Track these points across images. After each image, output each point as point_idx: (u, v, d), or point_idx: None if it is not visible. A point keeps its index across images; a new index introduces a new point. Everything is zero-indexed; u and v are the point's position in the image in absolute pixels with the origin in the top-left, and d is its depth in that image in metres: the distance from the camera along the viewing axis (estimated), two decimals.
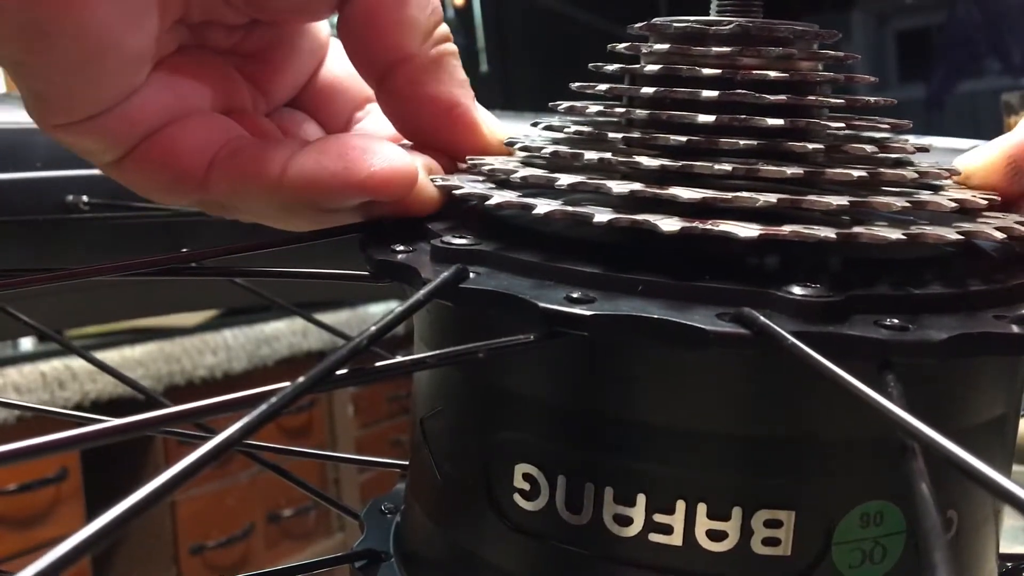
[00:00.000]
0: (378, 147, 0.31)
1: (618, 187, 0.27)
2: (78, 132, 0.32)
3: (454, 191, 0.31)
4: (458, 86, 0.35)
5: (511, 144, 0.35)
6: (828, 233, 0.25)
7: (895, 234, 0.25)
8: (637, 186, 0.27)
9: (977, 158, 0.32)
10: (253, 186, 0.33)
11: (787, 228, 0.25)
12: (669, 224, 0.25)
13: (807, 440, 0.26)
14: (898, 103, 0.32)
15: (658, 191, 0.26)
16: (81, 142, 0.32)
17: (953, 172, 0.32)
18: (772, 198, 0.26)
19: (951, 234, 0.26)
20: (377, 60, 0.34)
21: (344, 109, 0.40)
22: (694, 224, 0.25)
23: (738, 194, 0.26)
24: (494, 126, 0.35)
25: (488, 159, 0.33)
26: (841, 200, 0.26)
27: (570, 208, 0.27)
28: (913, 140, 0.32)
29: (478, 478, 0.28)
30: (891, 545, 0.26)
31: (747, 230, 0.25)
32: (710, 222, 0.25)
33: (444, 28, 0.34)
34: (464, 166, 0.34)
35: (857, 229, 0.25)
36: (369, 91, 0.38)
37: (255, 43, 0.37)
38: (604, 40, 0.34)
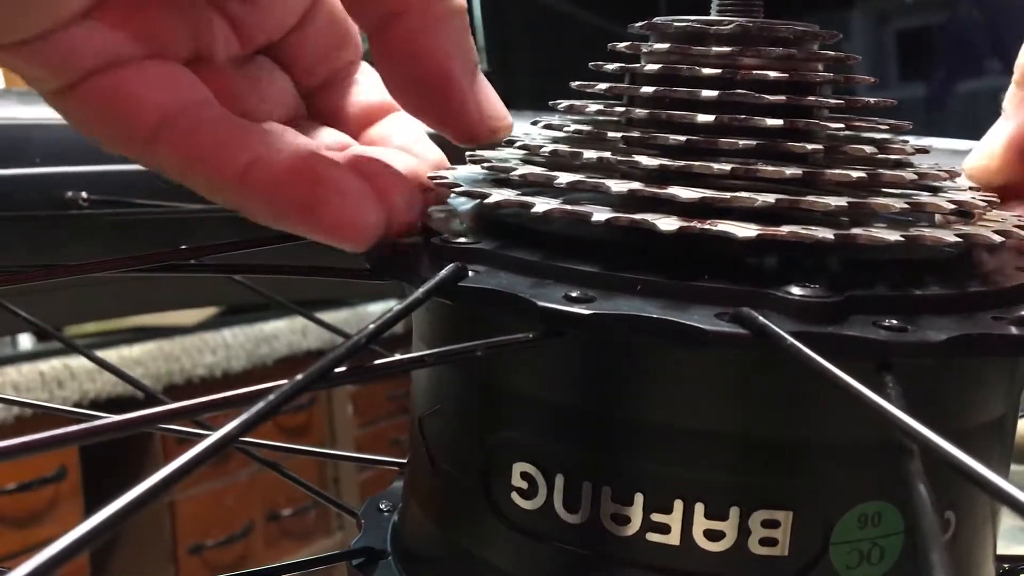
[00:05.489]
0: (349, 193, 0.28)
1: (617, 186, 0.27)
2: (14, 54, 0.29)
3: (452, 189, 0.31)
4: (459, 56, 0.31)
5: (511, 143, 0.34)
6: (826, 234, 0.25)
7: (893, 236, 0.25)
8: (636, 185, 0.27)
9: (984, 158, 0.31)
10: (205, 173, 0.30)
11: (785, 228, 0.25)
12: (667, 224, 0.25)
13: (805, 440, 0.26)
14: (898, 103, 0.32)
15: (657, 190, 0.26)
16: (19, 66, 0.29)
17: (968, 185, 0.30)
18: (771, 198, 0.26)
19: (949, 236, 0.26)
20: (376, 6, 0.31)
21: (326, 68, 0.37)
22: (692, 224, 0.25)
23: (737, 194, 0.26)
24: (492, 111, 0.32)
25: (486, 154, 0.33)
26: (840, 201, 0.26)
27: (568, 207, 0.26)
28: (913, 141, 0.32)
29: (476, 476, 0.28)
30: (889, 546, 0.26)
31: (745, 230, 0.25)
32: (708, 222, 0.25)
33: None
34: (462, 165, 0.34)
35: (855, 231, 0.25)
36: (356, 52, 0.36)
37: None
38: (605, 39, 0.34)
